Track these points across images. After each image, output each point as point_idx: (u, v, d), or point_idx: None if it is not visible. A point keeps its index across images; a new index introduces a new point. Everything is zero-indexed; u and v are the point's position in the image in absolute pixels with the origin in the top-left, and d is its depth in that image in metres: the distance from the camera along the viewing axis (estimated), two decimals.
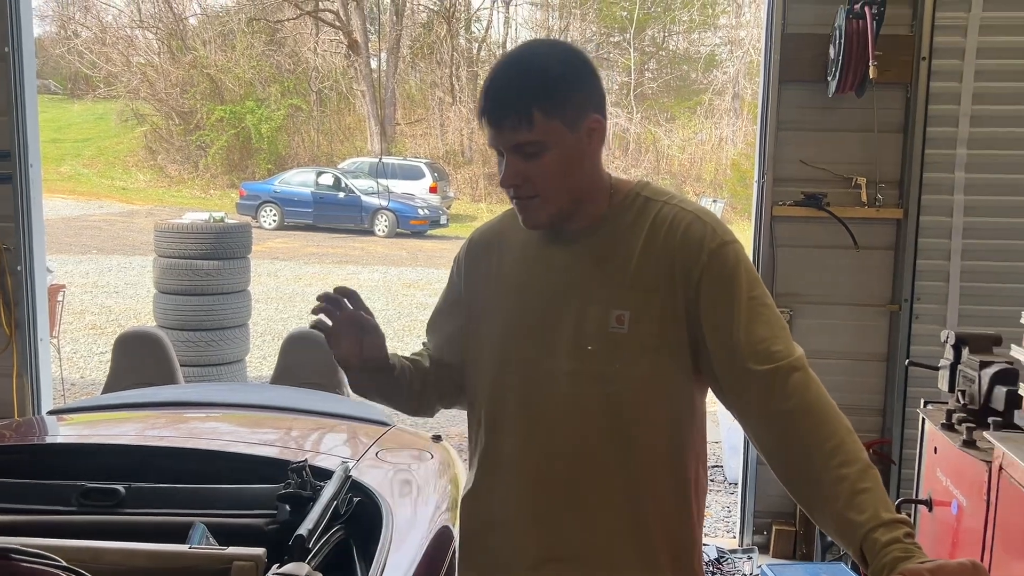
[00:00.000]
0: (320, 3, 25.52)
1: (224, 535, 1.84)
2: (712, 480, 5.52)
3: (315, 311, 1.52)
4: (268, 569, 1.60)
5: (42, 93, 24.12)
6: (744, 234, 4.27)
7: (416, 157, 22.52)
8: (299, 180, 19.05)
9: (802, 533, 4.12)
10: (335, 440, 2.77)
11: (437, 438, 2.73)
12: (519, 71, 1.44)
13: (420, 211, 18.51)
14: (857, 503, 1.26)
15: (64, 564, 1.42)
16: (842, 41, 3.70)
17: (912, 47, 3.87)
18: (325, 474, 2.10)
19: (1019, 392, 2.23)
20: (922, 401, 2.84)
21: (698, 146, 23.21)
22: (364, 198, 18.45)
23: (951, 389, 2.63)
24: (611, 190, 1.52)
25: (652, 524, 1.47)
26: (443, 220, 18.96)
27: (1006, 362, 2.44)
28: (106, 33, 25.79)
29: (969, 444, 2.31)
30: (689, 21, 25.99)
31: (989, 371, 2.40)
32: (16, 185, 4.17)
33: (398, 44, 25.42)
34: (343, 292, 1.54)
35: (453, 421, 6.16)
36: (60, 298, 6.54)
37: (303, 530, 1.75)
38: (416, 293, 11.88)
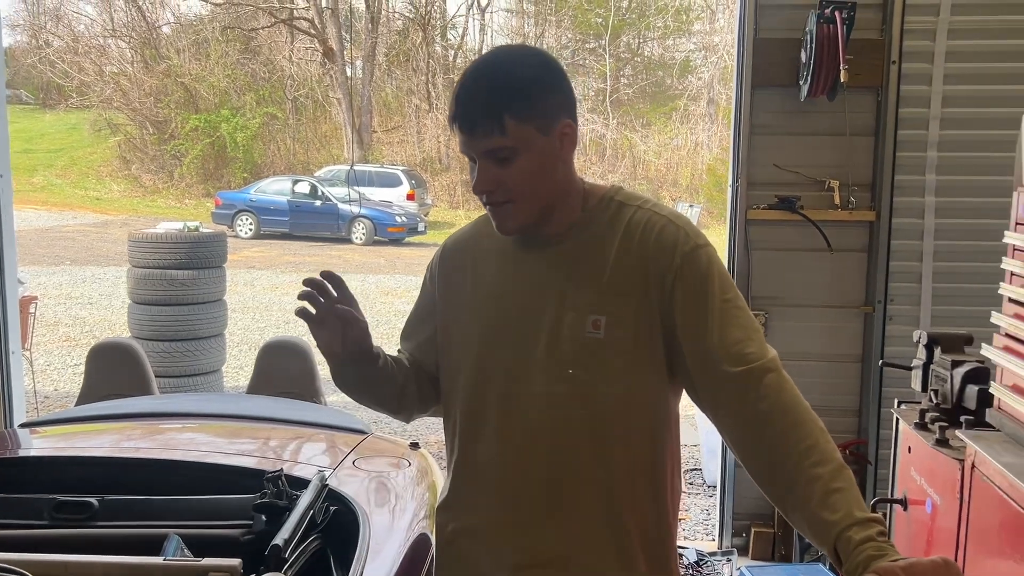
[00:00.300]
0: (295, 11, 25.45)
1: (199, 546, 1.82)
2: (691, 483, 5.54)
3: (301, 296, 1.48)
4: None
5: (13, 103, 23.92)
6: (720, 238, 4.31)
7: (393, 164, 22.49)
8: (275, 188, 18.96)
9: (780, 535, 4.14)
10: (312, 449, 2.75)
11: (415, 445, 2.72)
12: (490, 77, 1.44)
13: (398, 218, 18.48)
14: (831, 502, 1.28)
15: None
16: (813, 45, 3.73)
17: (882, 51, 3.92)
18: (301, 483, 2.08)
19: (990, 391, 2.26)
20: (896, 401, 2.86)
21: (674, 151, 23.33)
22: (341, 206, 18.39)
23: (924, 389, 2.65)
24: (584, 195, 1.52)
25: (631, 527, 1.47)
26: (421, 227, 18.93)
27: (977, 361, 2.47)
28: (78, 42, 25.57)
29: (942, 443, 2.33)
30: (664, 27, 26.14)
31: (961, 370, 2.43)
32: None
33: (374, 51, 25.39)
34: (328, 276, 1.51)
35: (432, 428, 6.15)
36: (32, 310, 6.46)
37: (279, 540, 1.73)
38: (395, 301, 11.84)
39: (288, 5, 25.52)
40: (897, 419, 2.73)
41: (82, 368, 3.98)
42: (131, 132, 23.97)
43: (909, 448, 2.57)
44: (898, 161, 3.98)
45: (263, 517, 2.00)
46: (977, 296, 3.89)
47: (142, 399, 3.46)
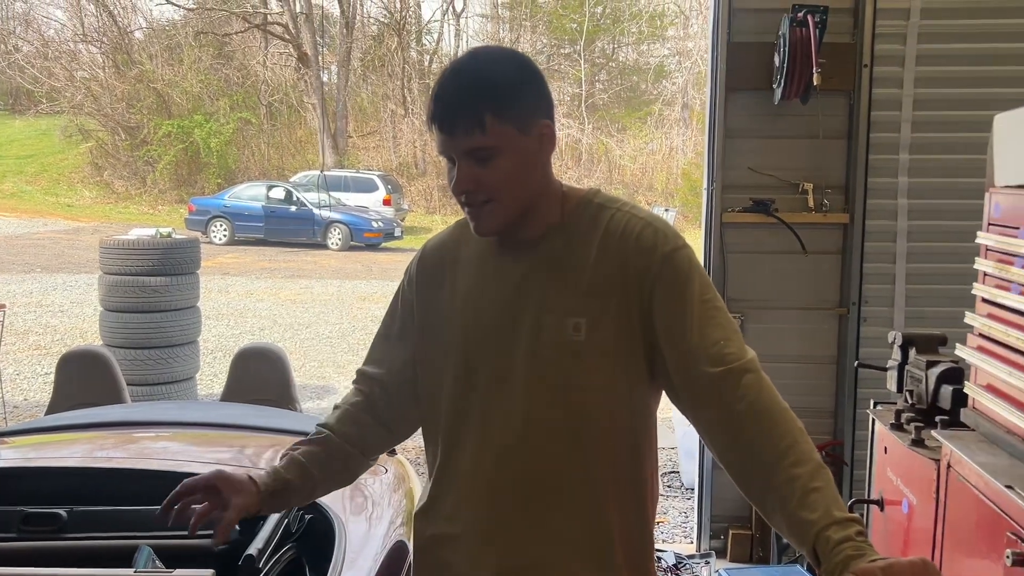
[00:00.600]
0: (268, 16, 25.33)
1: (171, 557, 1.79)
2: (668, 486, 5.54)
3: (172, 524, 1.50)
4: None
5: None
6: (695, 241, 4.32)
7: (369, 170, 22.41)
8: (250, 194, 18.83)
9: (758, 537, 4.15)
10: None
11: (392, 452, 2.70)
12: (470, 76, 1.43)
13: (374, 224, 18.41)
14: (809, 502, 1.28)
15: None
16: (786, 49, 3.76)
17: (854, 55, 3.95)
18: None
19: (964, 391, 2.27)
20: (872, 402, 2.88)
21: (649, 156, 23.45)
22: (316, 211, 18.30)
23: (899, 389, 2.67)
24: (563, 198, 1.51)
25: (612, 531, 1.47)
26: (398, 232, 18.87)
27: (951, 361, 2.48)
28: (48, 47, 25.31)
29: (918, 443, 2.34)
30: (638, 33, 26.30)
31: (935, 371, 2.44)
32: None
33: (349, 57, 25.32)
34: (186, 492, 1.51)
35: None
36: (1, 318, 6.36)
37: (253, 549, 1.71)
38: (371, 306, 11.78)
39: (262, 10, 25.41)
40: (873, 420, 2.74)
41: (52, 377, 3.91)
42: (103, 138, 23.73)
43: (885, 449, 2.58)
44: (871, 164, 4.01)
45: (236, 526, 1.96)
46: (950, 297, 3.93)
47: (113, 408, 3.40)
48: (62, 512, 2.03)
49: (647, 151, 23.53)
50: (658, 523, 4.73)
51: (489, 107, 1.39)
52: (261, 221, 18.26)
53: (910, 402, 2.55)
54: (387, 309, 1.68)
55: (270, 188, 19.06)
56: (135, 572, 1.66)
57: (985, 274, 2.18)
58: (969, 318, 2.25)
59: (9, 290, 11.80)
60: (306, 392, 7.54)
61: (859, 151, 3.99)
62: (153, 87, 23.89)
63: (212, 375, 8.10)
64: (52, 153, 24.42)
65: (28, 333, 9.93)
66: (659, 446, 1.58)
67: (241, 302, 12.14)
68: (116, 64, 24.45)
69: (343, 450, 1.60)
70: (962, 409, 2.25)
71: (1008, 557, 1.70)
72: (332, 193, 18.86)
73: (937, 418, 2.31)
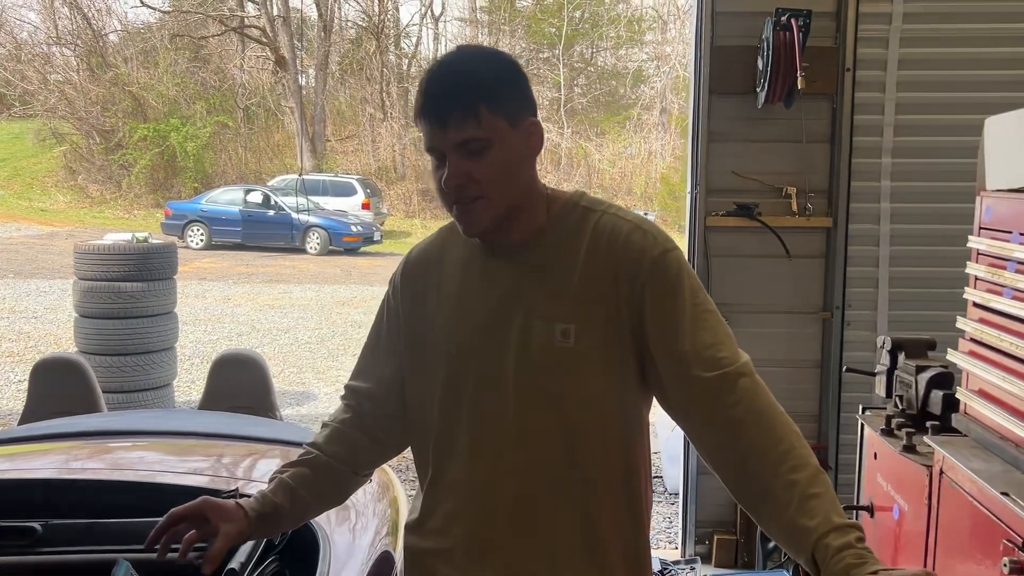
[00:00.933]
0: (245, 19, 25.17)
1: (150, 572, 1.73)
2: (652, 491, 5.52)
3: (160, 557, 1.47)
4: None
5: None
6: (679, 245, 4.31)
7: (348, 173, 22.31)
8: (227, 198, 18.68)
9: (743, 542, 4.13)
10: (268, 466, 2.66)
11: None
12: (462, 69, 1.41)
13: (353, 228, 18.32)
14: (808, 508, 1.25)
15: None
16: (770, 53, 3.75)
17: (836, 59, 3.95)
18: None
19: (956, 395, 2.26)
20: (860, 407, 2.86)
21: (628, 160, 23.52)
22: (295, 216, 18.19)
23: (888, 394, 2.65)
24: (548, 201, 1.49)
25: (608, 539, 1.44)
26: (377, 237, 18.80)
27: (941, 366, 2.47)
28: (21, 50, 24.99)
29: (909, 449, 2.32)
30: (616, 37, 26.39)
31: (925, 375, 2.43)
32: None
33: (327, 60, 25.21)
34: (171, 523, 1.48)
35: None
36: None
37: (235, 563, 1.67)
38: (350, 311, 11.70)
39: (239, 13, 25.25)
40: (862, 425, 2.72)
41: (25, 384, 3.83)
42: (77, 142, 23.47)
43: (875, 454, 2.56)
44: (854, 168, 4.01)
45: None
46: (934, 300, 3.95)
47: (89, 417, 3.33)
48: (37, 526, 1.97)
49: (626, 155, 23.62)
50: None
51: (482, 98, 1.37)
52: (239, 225, 18.12)
53: (900, 407, 2.54)
54: (373, 320, 1.64)
55: (248, 192, 18.92)
56: None
57: (976, 278, 2.17)
58: (961, 322, 2.24)
59: None
60: (285, 399, 7.46)
61: (842, 155, 3.99)
62: (128, 90, 23.66)
63: (189, 382, 8.00)
64: (25, 157, 24.13)
65: (0, 340, 9.77)
66: None
67: (218, 307, 12.02)
68: (90, 67, 24.19)
69: (333, 469, 1.57)
70: (953, 414, 2.24)
71: (1005, 565, 1.68)
72: (310, 197, 18.75)
73: (928, 423, 2.29)
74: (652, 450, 5.75)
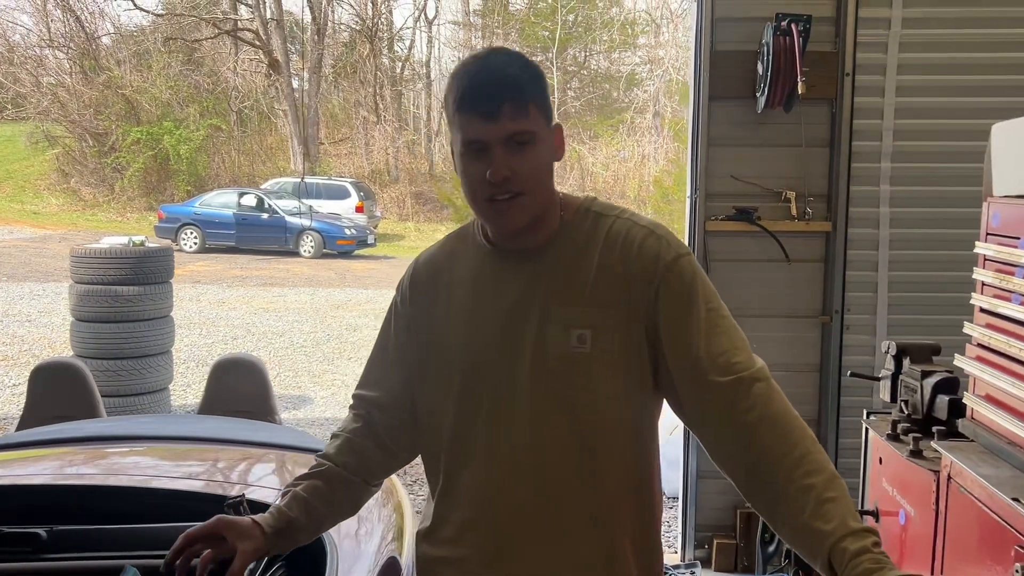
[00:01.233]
0: (239, 22, 25.12)
1: None
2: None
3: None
4: None
5: None
6: None
7: (341, 176, 22.28)
8: (220, 201, 18.64)
9: (743, 546, 4.13)
10: (271, 472, 2.65)
11: None
12: (509, 65, 1.41)
13: (347, 231, 18.29)
14: (824, 512, 1.25)
15: None
16: (770, 58, 3.75)
17: (836, 63, 3.96)
18: (263, 508, 1.98)
19: (963, 401, 2.26)
20: (864, 412, 2.86)
21: (621, 164, 23.55)
22: (289, 219, 18.15)
23: (893, 399, 2.65)
24: (561, 206, 1.48)
25: (623, 544, 1.44)
26: (371, 240, 18.77)
27: (947, 371, 2.47)
28: (14, 53, 24.91)
29: (916, 454, 2.32)
30: (610, 41, 26.43)
31: (931, 380, 2.43)
32: None
33: (320, 63, 25.18)
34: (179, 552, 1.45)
35: None
36: None
37: None
38: (345, 314, 11.68)
39: (232, 16, 25.20)
40: (867, 429, 2.72)
41: (20, 389, 3.82)
42: (70, 145, 23.39)
43: (880, 459, 2.56)
44: (853, 172, 4.02)
45: None
46: (933, 305, 3.96)
47: (90, 422, 3.31)
48: (41, 532, 1.95)
49: (619, 159, 23.64)
50: None
51: (531, 92, 1.39)
52: (232, 229, 18.07)
53: (905, 412, 2.53)
54: (380, 328, 1.63)
55: (241, 195, 18.88)
56: None
57: (983, 284, 2.17)
58: (968, 328, 2.24)
59: None
60: (282, 403, 7.43)
61: (841, 160, 3.99)
62: (121, 93, 23.59)
63: (185, 385, 7.96)
64: (17, 160, 24.03)
65: None
66: None
67: (213, 311, 11.98)
68: (83, 70, 24.12)
69: (346, 481, 1.55)
70: (960, 420, 2.24)
71: (1017, 572, 1.68)
72: (304, 200, 18.74)
73: (934, 428, 2.29)
74: None
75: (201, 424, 3.35)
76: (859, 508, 2.71)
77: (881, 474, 2.54)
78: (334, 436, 1.61)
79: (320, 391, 8.14)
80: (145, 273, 6.51)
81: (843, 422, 4.06)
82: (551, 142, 1.44)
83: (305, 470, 2.47)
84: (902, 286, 4.06)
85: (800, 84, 3.68)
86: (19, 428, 3.47)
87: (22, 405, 3.68)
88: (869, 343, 4.07)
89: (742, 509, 4.12)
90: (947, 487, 2.08)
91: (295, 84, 25.10)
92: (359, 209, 19.70)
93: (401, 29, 27.59)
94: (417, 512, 1.80)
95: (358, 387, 1.62)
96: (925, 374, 2.47)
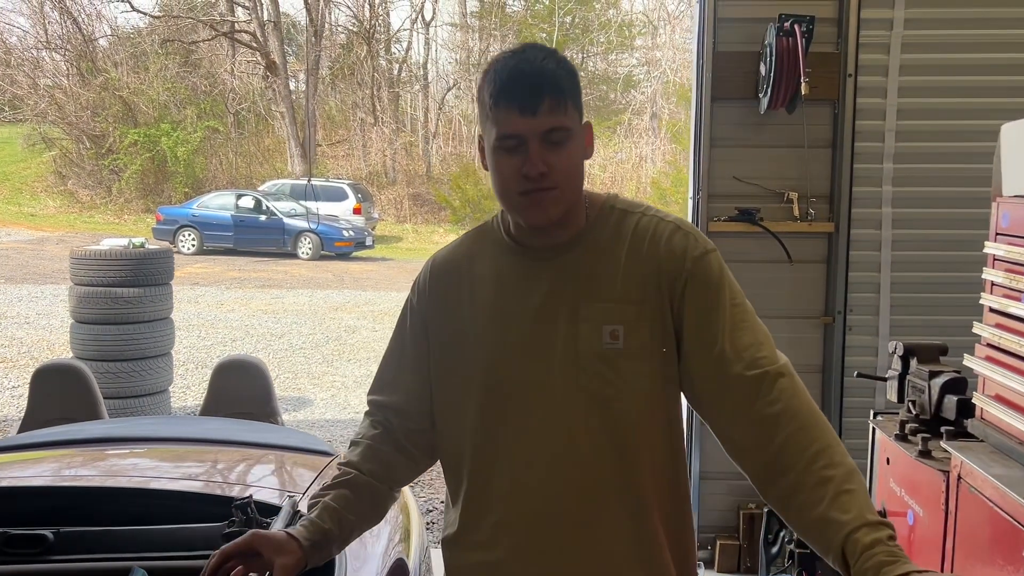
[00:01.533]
0: (236, 24, 25.10)
1: None
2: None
3: None
4: None
5: None
6: None
7: (339, 178, 22.27)
8: (218, 203, 18.63)
9: (746, 547, 4.13)
10: (278, 473, 2.64)
11: None
12: (548, 58, 1.41)
13: (345, 233, 18.27)
14: (841, 503, 1.25)
15: None
16: (773, 59, 3.75)
17: (838, 64, 3.96)
18: (271, 510, 1.98)
19: (972, 401, 2.25)
20: (871, 412, 2.86)
21: (618, 165, 23.55)
22: (287, 220, 18.13)
23: (900, 399, 2.65)
24: (586, 203, 1.49)
25: (659, 535, 1.44)
26: (368, 241, 18.75)
27: (954, 371, 2.47)
28: (10, 55, 24.85)
29: (925, 454, 2.32)
30: (607, 42, 26.43)
31: (939, 380, 2.42)
32: None
33: (317, 65, 25.16)
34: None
35: None
36: None
37: None
38: (344, 316, 11.66)
39: (229, 18, 25.18)
40: (874, 430, 2.72)
41: (20, 391, 3.81)
42: (67, 147, 23.36)
43: (887, 459, 2.56)
44: (855, 173, 4.02)
45: None
46: (936, 305, 3.96)
47: (93, 424, 3.30)
48: (48, 533, 1.94)
49: (616, 160, 23.64)
50: None
51: (570, 89, 1.40)
52: (230, 230, 18.06)
53: (913, 412, 2.53)
54: (394, 330, 1.61)
55: (239, 197, 18.86)
56: None
57: (993, 284, 2.17)
58: (977, 328, 2.24)
59: None
60: (282, 404, 7.39)
61: (844, 160, 3.99)
62: (119, 95, 23.56)
63: (184, 387, 7.94)
64: (14, 162, 23.99)
65: None
66: None
67: (212, 313, 11.97)
68: (81, 72, 24.08)
69: (372, 488, 1.53)
70: (969, 420, 2.23)
71: None
72: (301, 202, 18.73)
73: (942, 428, 2.29)
74: None
75: (205, 425, 3.34)
76: None
77: (889, 474, 2.54)
78: (354, 443, 1.58)
79: (320, 392, 8.13)
80: (145, 275, 6.50)
81: (846, 423, 4.06)
82: (583, 140, 1.44)
83: (308, 472, 2.47)
84: (904, 287, 4.06)
85: (804, 85, 3.68)
86: (21, 430, 3.45)
87: (22, 407, 3.68)
88: (872, 344, 4.07)
89: (745, 510, 4.12)
90: (957, 487, 2.08)
91: (292, 86, 25.10)
92: (357, 211, 19.69)
93: (398, 31, 27.59)
94: (425, 512, 1.79)
95: (372, 391, 1.60)
96: (933, 374, 2.46)
